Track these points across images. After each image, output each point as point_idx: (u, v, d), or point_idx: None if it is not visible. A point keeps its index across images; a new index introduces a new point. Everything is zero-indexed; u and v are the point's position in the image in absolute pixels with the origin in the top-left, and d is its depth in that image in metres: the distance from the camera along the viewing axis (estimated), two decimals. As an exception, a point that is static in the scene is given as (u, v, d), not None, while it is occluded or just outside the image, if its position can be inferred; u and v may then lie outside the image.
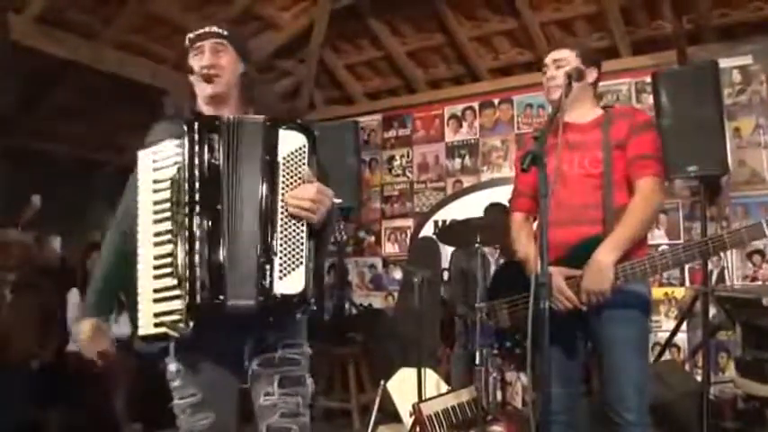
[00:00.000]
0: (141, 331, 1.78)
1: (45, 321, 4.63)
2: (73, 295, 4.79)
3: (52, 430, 4.39)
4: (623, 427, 2.31)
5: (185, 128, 1.80)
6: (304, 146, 1.83)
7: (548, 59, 2.59)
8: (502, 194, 4.87)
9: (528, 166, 2.05)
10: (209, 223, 1.75)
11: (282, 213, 1.77)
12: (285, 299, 1.72)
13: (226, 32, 2.01)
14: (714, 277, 4.58)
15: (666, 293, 4.78)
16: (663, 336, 4.50)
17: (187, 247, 1.74)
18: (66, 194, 5.75)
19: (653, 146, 2.47)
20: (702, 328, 4.12)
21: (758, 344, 3.64)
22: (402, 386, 3.94)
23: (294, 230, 1.77)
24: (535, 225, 2.63)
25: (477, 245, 3.86)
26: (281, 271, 1.73)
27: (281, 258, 1.73)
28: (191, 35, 2.02)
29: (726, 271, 4.60)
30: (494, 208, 4.64)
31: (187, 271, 1.72)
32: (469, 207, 5.50)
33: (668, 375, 3.77)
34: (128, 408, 4.48)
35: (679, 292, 4.74)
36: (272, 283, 1.72)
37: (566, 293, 2.32)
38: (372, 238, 6.22)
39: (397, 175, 6.18)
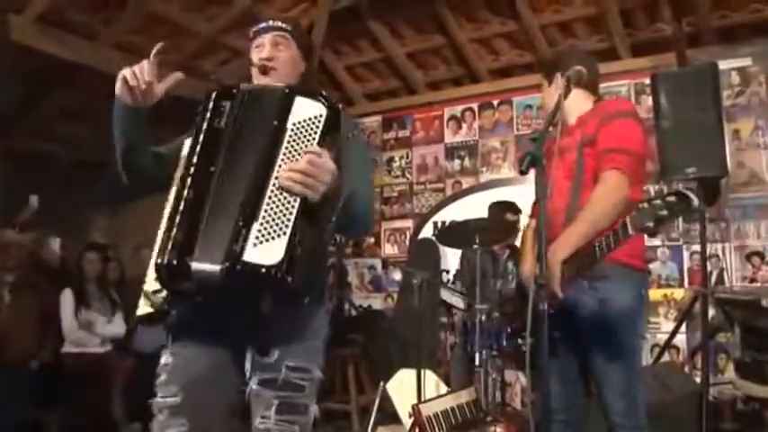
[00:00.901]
0: (138, 311, 1.68)
1: (44, 322, 4.64)
2: (66, 296, 4.80)
3: (51, 430, 4.39)
4: (615, 429, 2.33)
5: (204, 97, 1.74)
6: (320, 116, 1.65)
7: None
8: (501, 196, 4.89)
9: (527, 168, 2.05)
10: (198, 186, 1.63)
11: (273, 182, 1.59)
12: (254, 268, 1.51)
13: (289, 27, 1.97)
14: (713, 278, 4.59)
15: (665, 295, 4.79)
16: (662, 337, 4.51)
17: (172, 209, 1.64)
18: (66, 195, 5.75)
19: (620, 136, 2.34)
20: (702, 329, 4.12)
21: (757, 345, 3.65)
22: (401, 387, 3.94)
23: (283, 201, 1.57)
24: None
25: (476, 246, 3.87)
26: (257, 237, 1.53)
27: (261, 225, 1.55)
28: (254, 28, 1.98)
29: (725, 272, 4.61)
30: (497, 206, 4.63)
31: (165, 233, 1.62)
32: (469, 208, 5.51)
33: (667, 377, 3.77)
34: (126, 407, 4.48)
35: (678, 294, 4.75)
36: (243, 248, 1.52)
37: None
38: (372, 240, 6.23)
39: (397, 177, 6.19)
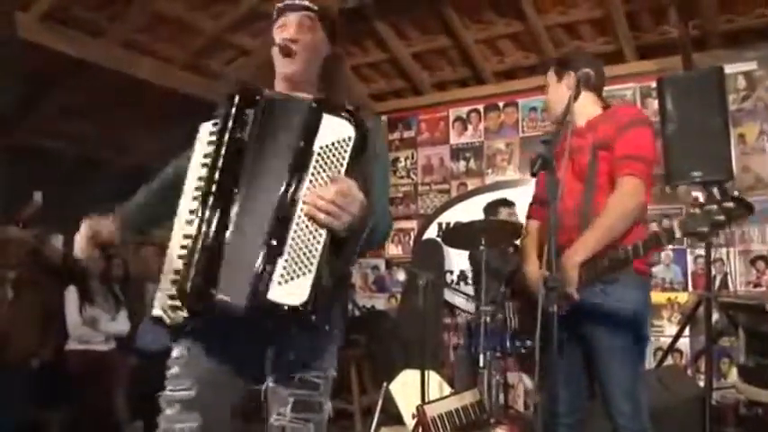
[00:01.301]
0: (153, 311, 1.65)
1: (46, 319, 4.63)
2: (70, 293, 4.80)
3: (53, 429, 4.38)
4: (619, 430, 2.34)
5: (226, 101, 1.66)
6: (349, 138, 1.57)
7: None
8: (509, 197, 4.88)
9: (537, 171, 2.06)
10: (221, 208, 1.59)
11: (299, 213, 1.53)
12: (279, 308, 1.49)
13: (317, 7, 1.83)
14: (717, 283, 4.58)
15: (669, 298, 4.79)
16: (665, 341, 4.51)
17: (195, 230, 1.60)
18: (70, 193, 5.74)
19: (637, 144, 2.40)
20: (705, 333, 4.12)
21: (761, 350, 3.64)
22: (405, 388, 3.94)
23: (310, 233, 1.52)
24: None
25: (482, 247, 3.86)
26: (282, 276, 1.50)
27: (286, 261, 1.50)
28: (279, 5, 1.84)
29: (729, 276, 4.60)
30: (491, 207, 4.65)
31: (188, 256, 1.59)
32: (474, 209, 5.50)
33: (670, 380, 3.76)
34: (129, 406, 4.49)
35: (682, 297, 4.75)
36: (267, 286, 1.50)
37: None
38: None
39: (402, 177, 6.19)
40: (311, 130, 1.58)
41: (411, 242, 6.04)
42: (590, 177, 2.42)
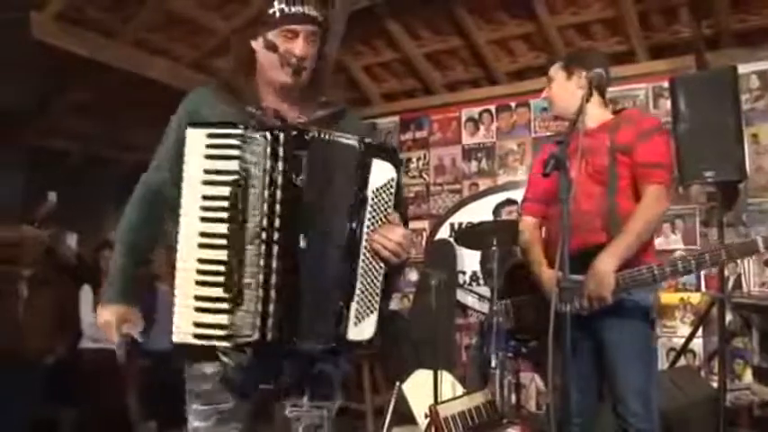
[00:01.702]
0: (177, 338, 1.62)
1: (60, 318, 4.67)
2: (85, 293, 4.84)
3: (66, 427, 4.42)
4: (629, 430, 2.34)
5: (268, 137, 1.63)
6: (392, 180, 1.73)
7: (546, 80, 2.71)
8: (518, 197, 4.88)
9: (551, 171, 2.06)
10: (289, 256, 1.62)
11: (364, 253, 1.69)
12: (354, 345, 1.69)
13: (320, 19, 1.80)
14: (731, 283, 4.56)
15: (682, 299, 4.76)
16: (678, 341, 4.49)
17: (261, 278, 1.61)
18: (82, 192, 5.80)
19: (660, 152, 2.47)
20: (719, 334, 4.11)
21: (775, 351, 3.63)
22: (417, 388, 3.94)
23: (372, 273, 1.70)
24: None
25: (493, 248, 3.87)
26: (356, 317, 1.66)
27: (358, 303, 1.66)
28: (285, 9, 1.75)
29: (742, 277, 4.58)
30: (498, 207, 4.66)
31: (259, 304, 1.61)
32: (486, 210, 5.50)
33: (684, 382, 3.75)
34: (142, 406, 4.51)
35: (695, 298, 4.72)
36: (346, 328, 1.66)
37: None
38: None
39: (414, 177, 6.18)
40: (365, 176, 1.70)
41: (423, 242, 6.03)
42: (610, 181, 2.45)
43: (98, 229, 6.46)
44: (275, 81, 1.81)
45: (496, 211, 4.75)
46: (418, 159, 6.18)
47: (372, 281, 1.69)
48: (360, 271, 1.68)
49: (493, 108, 5.84)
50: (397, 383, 3.96)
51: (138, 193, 1.88)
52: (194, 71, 5.28)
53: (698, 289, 4.75)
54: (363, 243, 1.68)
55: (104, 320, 1.82)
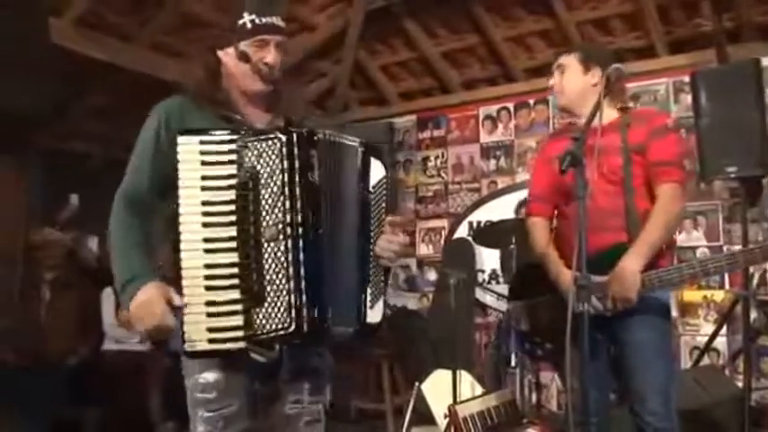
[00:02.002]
0: (189, 347, 1.64)
1: (83, 320, 4.72)
2: (107, 295, 4.88)
3: (88, 428, 4.46)
4: (647, 429, 2.30)
5: (283, 138, 1.70)
6: (384, 177, 1.90)
7: (553, 67, 2.64)
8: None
9: (567, 168, 2.03)
10: (314, 248, 1.68)
11: (372, 247, 1.86)
12: (370, 328, 1.82)
13: (283, 25, 1.92)
14: (755, 280, 4.49)
15: (705, 297, 4.70)
16: (702, 340, 4.43)
17: (291, 272, 1.65)
18: (101, 194, 5.83)
19: (673, 150, 2.45)
20: (743, 332, 4.04)
21: (801, 349, 3.57)
22: (436, 388, 3.93)
23: (378, 265, 1.87)
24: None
25: (512, 246, 3.84)
26: (371, 300, 1.82)
27: (371, 288, 1.82)
28: (256, 20, 1.85)
29: (767, 274, 4.50)
30: (519, 206, 4.62)
31: (292, 297, 1.64)
32: (504, 208, 5.48)
33: (707, 381, 3.70)
34: (162, 406, 4.54)
35: (718, 296, 4.66)
36: (365, 311, 1.81)
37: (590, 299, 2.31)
38: (407, 239, 6.20)
39: (432, 176, 6.17)
40: (365, 174, 1.85)
41: (442, 241, 6.02)
42: (626, 180, 2.42)
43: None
44: (247, 89, 1.90)
45: (519, 209, 4.71)
46: (436, 158, 6.17)
47: (378, 270, 1.86)
48: (370, 260, 1.84)
49: (511, 106, 5.81)
50: (417, 384, 3.96)
51: (117, 206, 1.87)
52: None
53: (721, 286, 4.68)
54: (371, 235, 1.85)
55: (144, 298, 1.70)
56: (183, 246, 1.65)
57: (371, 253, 1.85)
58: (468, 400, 3.48)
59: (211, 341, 1.64)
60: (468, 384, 3.96)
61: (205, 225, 1.66)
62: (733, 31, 4.77)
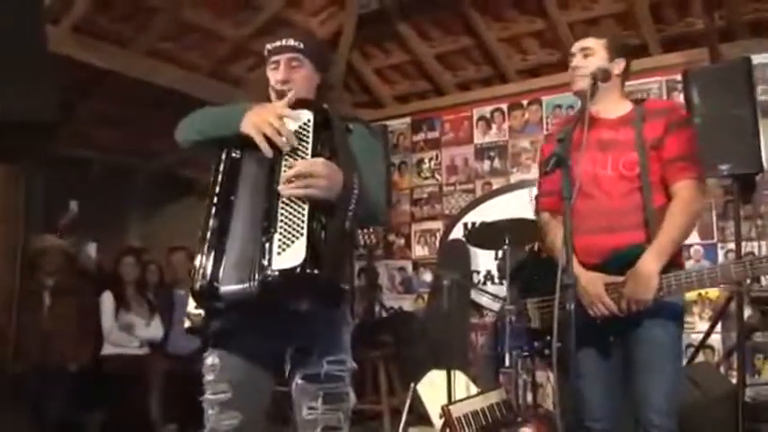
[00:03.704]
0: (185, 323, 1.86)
1: (83, 325, 4.73)
2: (106, 299, 4.91)
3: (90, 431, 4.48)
4: (648, 428, 2.28)
5: None
6: (308, 121, 1.82)
7: (575, 48, 2.48)
8: (531, 196, 4.85)
9: (552, 169, 2.04)
10: (221, 214, 1.79)
11: (283, 195, 1.74)
12: (285, 273, 1.64)
13: (301, 45, 2.01)
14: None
15: (700, 294, 4.70)
16: (696, 337, 4.43)
17: (200, 238, 1.79)
18: (101, 200, 5.87)
19: (690, 146, 2.37)
20: (737, 329, 4.06)
21: (795, 345, 3.58)
22: (432, 388, 3.95)
23: (293, 208, 1.72)
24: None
25: (506, 247, 3.86)
26: (279, 246, 1.67)
27: (280, 234, 1.69)
28: (269, 46, 2.03)
29: (761, 271, 4.50)
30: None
31: (199, 258, 1.77)
32: (499, 209, 5.49)
33: (702, 378, 3.71)
34: (163, 409, 4.56)
35: (713, 293, 4.66)
36: (270, 260, 1.67)
37: (604, 300, 2.28)
38: (402, 241, 6.24)
39: (427, 178, 6.19)
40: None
41: (437, 243, 6.03)
42: (643, 176, 2.34)
43: (119, 236, 6.56)
44: None
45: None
46: (430, 160, 6.18)
47: (293, 214, 1.71)
48: (280, 207, 1.73)
49: (505, 106, 5.83)
50: (413, 384, 3.97)
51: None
52: (208, 78, 5.33)
53: (716, 283, 4.68)
54: (281, 183, 1.74)
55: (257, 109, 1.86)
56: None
57: (282, 199, 1.74)
58: (461, 400, 3.49)
59: (189, 315, 1.84)
60: (464, 384, 3.98)
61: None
62: (725, 30, 4.78)
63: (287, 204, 1.72)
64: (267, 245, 1.69)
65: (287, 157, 1.78)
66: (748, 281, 4.37)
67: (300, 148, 1.79)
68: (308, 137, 1.80)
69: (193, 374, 2.01)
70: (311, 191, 1.71)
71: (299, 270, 1.63)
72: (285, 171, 1.75)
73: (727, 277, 2.25)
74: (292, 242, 1.67)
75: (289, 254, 1.65)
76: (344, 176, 1.76)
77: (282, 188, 1.73)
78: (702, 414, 3.47)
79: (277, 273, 1.65)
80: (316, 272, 1.64)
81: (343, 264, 1.89)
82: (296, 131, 1.80)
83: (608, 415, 2.40)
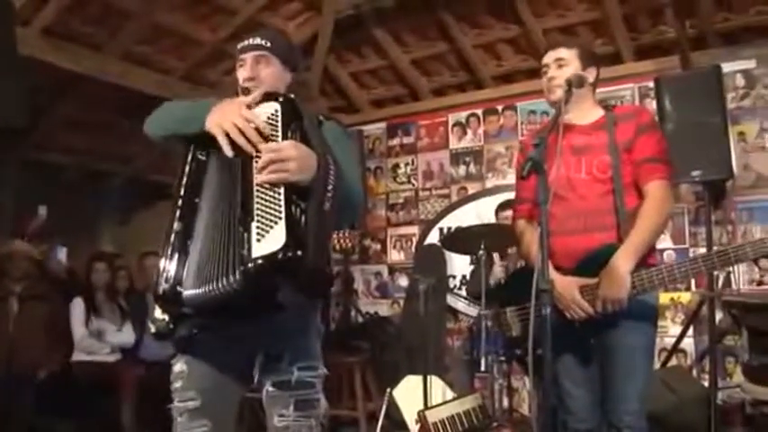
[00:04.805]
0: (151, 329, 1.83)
1: (52, 332, 4.65)
2: (77, 305, 4.83)
3: (61, 440, 4.41)
4: (621, 429, 2.30)
5: None
6: (276, 111, 1.78)
7: (548, 59, 2.53)
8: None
9: (527, 173, 2.05)
10: (185, 217, 1.76)
11: (256, 183, 1.69)
12: (267, 258, 1.57)
13: (268, 44, 2.01)
14: (720, 282, 4.56)
15: (672, 298, 4.76)
16: (669, 341, 4.48)
17: (164, 242, 1.76)
18: (72, 205, 5.79)
19: (660, 147, 2.42)
20: (709, 333, 4.11)
21: (765, 349, 3.63)
22: (408, 394, 3.95)
23: (269, 193, 1.66)
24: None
25: (481, 252, 3.87)
26: (258, 233, 1.61)
27: (258, 222, 1.62)
28: (238, 46, 2.04)
29: (732, 275, 4.57)
30: (500, 207, 4.61)
31: (163, 262, 1.73)
32: (475, 214, 5.52)
33: (675, 381, 3.76)
34: (135, 416, 4.50)
35: (685, 297, 4.72)
36: (249, 249, 1.60)
37: (580, 303, 2.30)
38: (378, 246, 6.23)
39: (402, 183, 6.19)
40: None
41: (413, 248, 6.04)
42: (615, 178, 2.39)
43: (91, 242, 6.47)
44: None
45: (498, 210, 4.66)
46: (406, 165, 6.19)
47: (270, 200, 1.65)
48: (255, 198, 1.66)
49: (480, 112, 5.86)
50: (389, 390, 3.96)
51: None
52: (182, 82, 5.29)
53: (688, 288, 4.75)
54: (254, 173, 1.70)
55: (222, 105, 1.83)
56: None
57: (257, 189, 1.68)
58: (437, 406, 3.49)
59: (153, 320, 1.80)
60: (440, 389, 3.98)
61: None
62: (696, 38, 4.85)
63: (262, 192, 1.67)
64: (245, 234, 1.62)
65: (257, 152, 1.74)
66: (720, 285, 4.47)
67: (271, 138, 1.73)
68: (276, 127, 1.76)
69: (167, 380, 1.95)
70: (283, 174, 1.66)
71: (281, 255, 1.56)
72: (257, 158, 1.71)
73: (697, 269, 2.28)
74: (271, 227, 1.61)
75: (268, 240, 1.59)
76: (318, 158, 1.73)
77: (255, 177, 1.69)
78: (675, 417, 3.51)
79: (260, 260, 1.57)
80: (299, 253, 1.58)
81: (326, 246, 1.83)
82: (264, 122, 1.76)
83: (592, 416, 2.42)
